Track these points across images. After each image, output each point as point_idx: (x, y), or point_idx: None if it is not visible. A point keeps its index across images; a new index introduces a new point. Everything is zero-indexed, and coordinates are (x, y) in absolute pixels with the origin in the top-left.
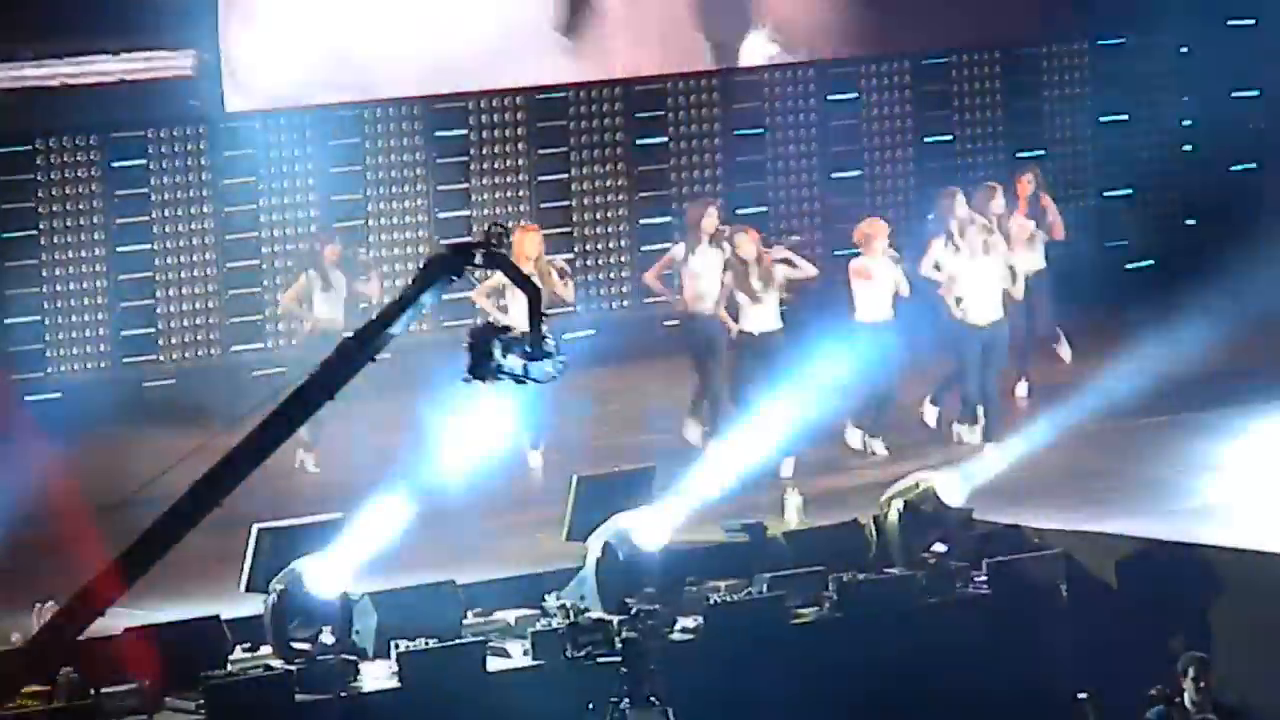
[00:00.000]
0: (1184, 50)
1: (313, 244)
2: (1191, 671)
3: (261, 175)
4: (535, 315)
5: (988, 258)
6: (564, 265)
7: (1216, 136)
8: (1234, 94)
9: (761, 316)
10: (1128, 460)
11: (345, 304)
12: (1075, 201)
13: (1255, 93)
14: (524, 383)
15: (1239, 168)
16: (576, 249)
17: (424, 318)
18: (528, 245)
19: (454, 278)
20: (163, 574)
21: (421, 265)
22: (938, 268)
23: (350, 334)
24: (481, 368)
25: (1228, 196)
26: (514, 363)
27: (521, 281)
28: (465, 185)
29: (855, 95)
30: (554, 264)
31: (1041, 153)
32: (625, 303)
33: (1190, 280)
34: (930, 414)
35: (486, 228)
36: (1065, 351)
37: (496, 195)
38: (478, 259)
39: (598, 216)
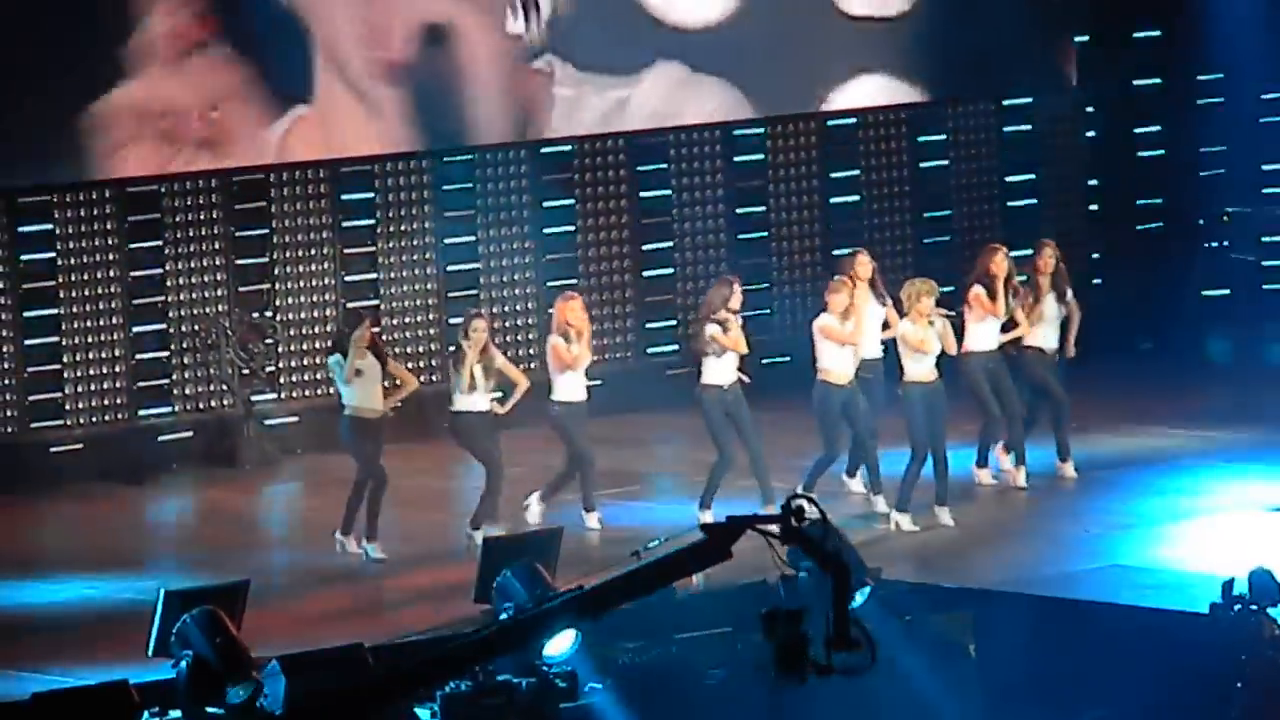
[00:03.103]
0: (1090, 110)
1: (345, 327)
2: None
3: (168, 239)
4: (841, 600)
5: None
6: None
7: (1121, 195)
8: (1140, 154)
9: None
10: (1037, 518)
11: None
12: None
13: (1161, 152)
14: (830, 675)
15: (1143, 227)
16: (489, 309)
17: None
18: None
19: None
20: (72, 638)
21: (702, 537)
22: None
23: (586, 591)
24: (792, 665)
25: (1133, 255)
26: (822, 654)
27: (827, 561)
28: (372, 249)
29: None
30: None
31: (949, 212)
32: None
33: (1100, 338)
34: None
35: (787, 502)
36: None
37: (403, 258)
38: (774, 531)
39: (504, 279)
